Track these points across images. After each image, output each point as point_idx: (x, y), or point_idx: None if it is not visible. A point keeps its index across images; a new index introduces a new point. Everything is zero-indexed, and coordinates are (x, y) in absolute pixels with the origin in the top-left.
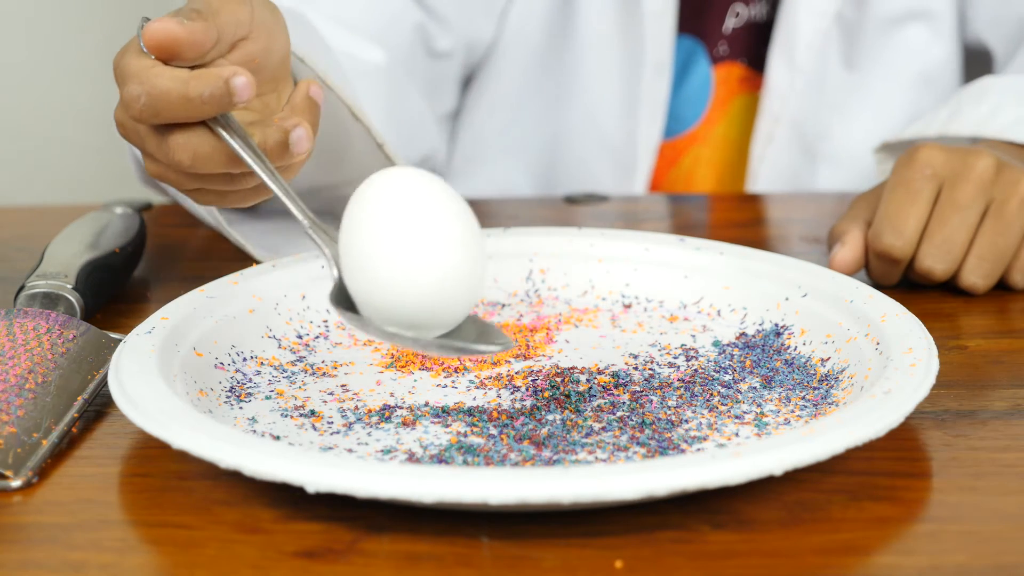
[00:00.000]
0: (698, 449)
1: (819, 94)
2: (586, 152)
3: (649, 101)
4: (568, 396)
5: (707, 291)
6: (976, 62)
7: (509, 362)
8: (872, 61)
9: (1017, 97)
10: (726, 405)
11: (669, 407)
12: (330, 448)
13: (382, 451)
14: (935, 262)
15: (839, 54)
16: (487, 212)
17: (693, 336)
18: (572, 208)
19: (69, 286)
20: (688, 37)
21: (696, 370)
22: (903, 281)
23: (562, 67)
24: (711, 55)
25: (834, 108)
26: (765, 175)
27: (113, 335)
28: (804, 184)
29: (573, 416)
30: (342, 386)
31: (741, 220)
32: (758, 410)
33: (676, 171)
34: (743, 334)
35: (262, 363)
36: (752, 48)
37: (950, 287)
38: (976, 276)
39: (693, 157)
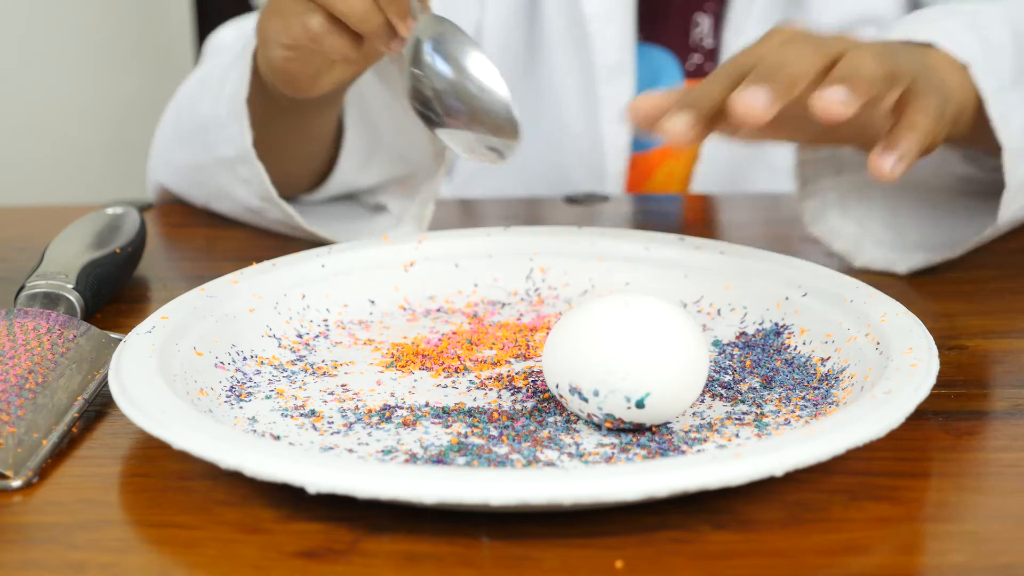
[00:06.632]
0: (698, 450)
1: None
2: (560, 157)
3: (609, 104)
4: None
5: (707, 290)
6: None
7: (509, 362)
8: None
9: (953, 15)
10: (726, 407)
11: None
12: (330, 448)
13: (383, 451)
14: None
15: None
16: (487, 212)
17: None
18: (572, 208)
19: (69, 286)
20: (657, 48)
21: None
22: (898, 279)
23: (533, 73)
24: (684, 68)
25: None
26: (702, 174)
27: (113, 335)
28: (740, 187)
29: (573, 417)
30: (342, 386)
31: (741, 220)
32: (758, 411)
33: (650, 184)
34: (743, 333)
35: (262, 362)
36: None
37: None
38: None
39: (666, 172)
